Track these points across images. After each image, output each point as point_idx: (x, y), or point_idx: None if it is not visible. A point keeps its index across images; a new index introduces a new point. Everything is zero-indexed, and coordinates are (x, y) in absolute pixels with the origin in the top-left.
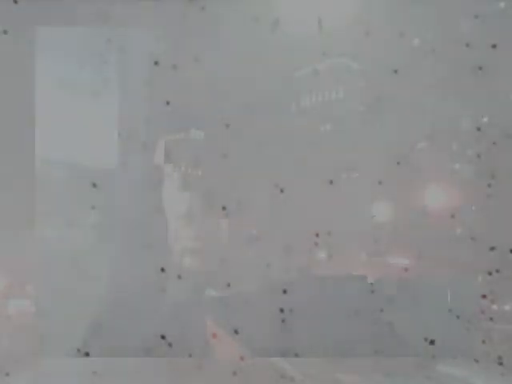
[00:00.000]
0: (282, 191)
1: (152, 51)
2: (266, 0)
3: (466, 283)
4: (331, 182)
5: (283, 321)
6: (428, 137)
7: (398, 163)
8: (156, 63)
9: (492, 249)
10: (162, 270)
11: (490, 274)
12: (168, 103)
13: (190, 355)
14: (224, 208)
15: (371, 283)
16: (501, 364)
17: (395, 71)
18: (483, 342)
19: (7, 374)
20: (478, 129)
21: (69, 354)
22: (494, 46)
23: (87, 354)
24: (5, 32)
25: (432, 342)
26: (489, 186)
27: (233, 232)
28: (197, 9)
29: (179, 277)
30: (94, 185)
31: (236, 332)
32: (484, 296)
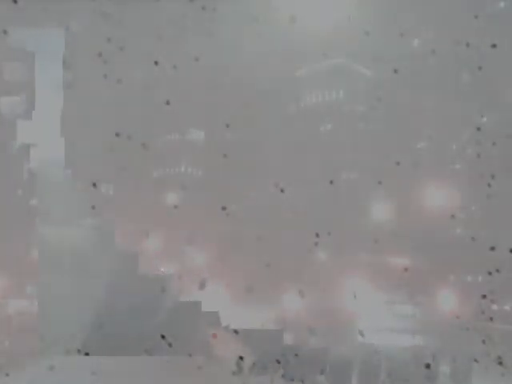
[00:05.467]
0: (282, 191)
1: (152, 51)
2: (265, 0)
3: (466, 283)
4: (331, 182)
5: (283, 320)
6: (428, 137)
7: (398, 163)
8: (156, 63)
9: (492, 249)
10: (162, 270)
11: (489, 273)
12: (168, 103)
13: (190, 355)
14: (224, 208)
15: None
16: (501, 364)
17: (395, 71)
18: (483, 342)
19: (7, 374)
20: (478, 129)
21: (69, 354)
22: (493, 46)
23: (87, 354)
24: (4, 32)
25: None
26: (489, 185)
27: (233, 231)
28: (197, 9)
29: (179, 276)
30: (94, 185)
31: (236, 332)
32: (484, 296)
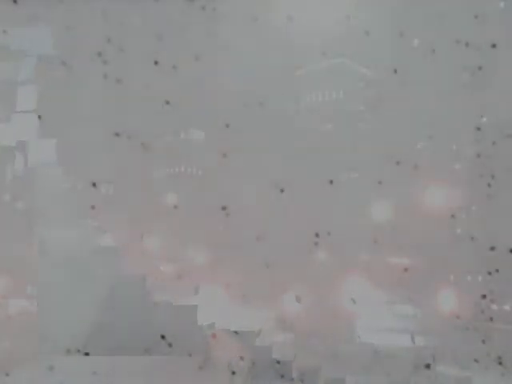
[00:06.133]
0: (282, 191)
1: (152, 51)
2: (265, 0)
3: (466, 283)
4: (331, 182)
5: (283, 320)
6: (428, 137)
7: (398, 163)
8: (156, 63)
9: (492, 249)
10: (162, 269)
11: (489, 273)
12: (168, 103)
13: (190, 355)
14: (224, 208)
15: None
16: (501, 364)
17: (395, 71)
18: (483, 342)
19: (7, 374)
20: (478, 129)
21: (69, 354)
22: (493, 46)
23: (87, 354)
24: (4, 32)
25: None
26: (489, 185)
27: (233, 231)
28: (197, 8)
29: (179, 276)
30: (94, 185)
31: (236, 332)
32: (484, 296)
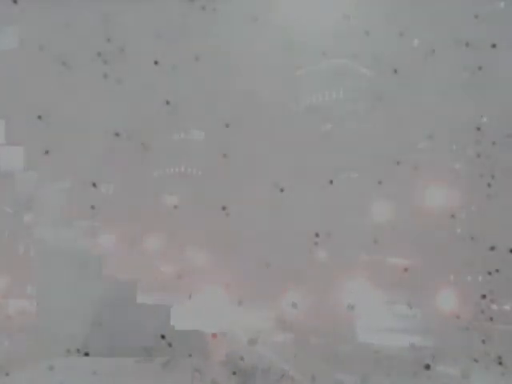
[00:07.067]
0: (281, 191)
1: (152, 51)
2: (265, 0)
3: (466, 283)
4: (331, 182)
5: (283, 320)
6: (428, 137)
7: (398, 163)
8: (156, 63)
9: (492, 249)
10: (162, 269)
11: (489, 273)
12: (168, 103)
13: (190, 355)
14: (224, 208)
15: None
16: (501, 364)
17: (395, 71)
18: (483, 341)
19: (7, 374)
20: (478, 129)
21: (69, 354)
22: (493, 46)
23: (87, 354)
24: (5, 32)
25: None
26: (489, 185)
27: (233, 231)
28: (197, 9)
29: (179, 276)
30: (94, 185)
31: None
32: (484, 296)
